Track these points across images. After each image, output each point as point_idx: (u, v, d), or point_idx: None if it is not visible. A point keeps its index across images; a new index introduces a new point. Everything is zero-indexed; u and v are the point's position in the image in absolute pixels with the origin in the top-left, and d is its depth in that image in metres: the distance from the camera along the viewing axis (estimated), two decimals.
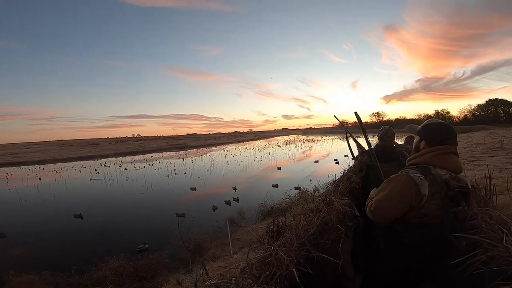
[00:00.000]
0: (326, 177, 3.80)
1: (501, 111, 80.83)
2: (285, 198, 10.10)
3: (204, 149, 67.38)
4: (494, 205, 1.70)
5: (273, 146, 64.05)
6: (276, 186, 17.48)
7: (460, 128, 55.26)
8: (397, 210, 1.20)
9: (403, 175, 1.24)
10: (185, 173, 26.60)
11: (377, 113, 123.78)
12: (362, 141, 3.07)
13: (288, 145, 63.18)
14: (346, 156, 22.17)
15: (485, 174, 2.75)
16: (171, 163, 36.58)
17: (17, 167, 44.45)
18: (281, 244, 1.49)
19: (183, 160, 41.15)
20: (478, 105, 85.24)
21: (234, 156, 42.87)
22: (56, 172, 34.27)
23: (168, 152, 62.96)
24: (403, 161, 2.43)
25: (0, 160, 55.08)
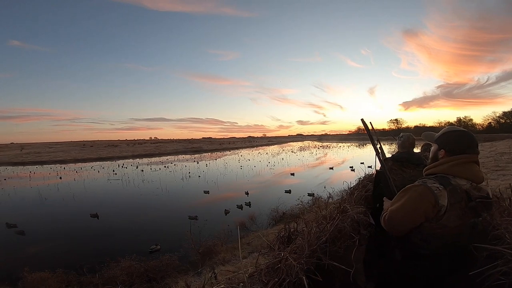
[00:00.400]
0: (341, 184, 3.71)
1: None
2: (298, 204, 9.97)
3: (218, 153, 68.09)
4: None
5: (287, 151, 63.68)
6: (289, 192, 17.34)
7: (483, 136, 52.79)
8: (412, 221, 1.17)
9: (420, 186, 1.19)
10: (199, 176, 26.93)
11: (396, 119, 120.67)
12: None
13: (302, 151, 62.63)
14: (362, 163, 21.71)
15: (510, 184, 2.58)
16: (186, 166, 37.20)
17: (40, 166, 46.73)
18: (291, 251, 1.45)
19: (198, 163, 41.72)
20: (504, 112, 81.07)
21: (248, 161, 43.01)
22: (76, 171, 35.71)
23: (183, 155, 64.13)
24: None
25: (24, 159, 58.39)
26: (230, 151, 77.89)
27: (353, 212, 1.66)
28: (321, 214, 1.97)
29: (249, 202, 15.06)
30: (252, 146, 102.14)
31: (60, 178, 29.29)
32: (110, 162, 49.55)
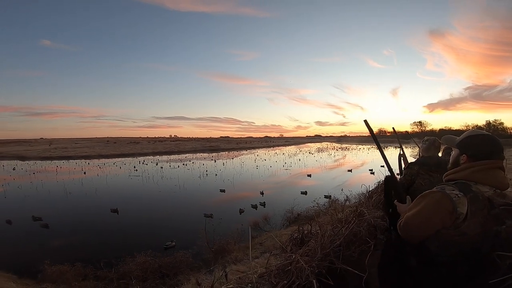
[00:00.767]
0: (359, 187, 3.60)
1: None
2: (314, 206, 9.78)
3: (235, 152, 68.67)
4: None
5: (304, 152, 63.00)
6: (305, 193, 17.14)
7: None
8: (428, 228, 1.12)
9: (437, 192, 1.14)
10: (216, 174, 27.29)
11: (419, 122, 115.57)
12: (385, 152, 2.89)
13: (320, 153, 61.70)
14: (383, 166, 20.99)
15: None
16: (203, 164, 37.86)
17: (66, 161, 49.40)
18: (303, 253, 1.41)
19: (215, 162, 42.33)
20: None
21: (264, 160, 43.02)
22: (99, 167, 37.42)
23: (201, 154, 65.35)
24: None
25: (52, 154, 62.09)
26: (246, 150, 78.32)
27: (370, 216, 1.59)
28: (336, 217, 1.91)
29: (264, 202, 15.04)
30: (269, 146, 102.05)
31: (85, 173, 30.79)
32: (131, 159, 51.50)
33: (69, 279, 7.06)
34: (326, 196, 14.39)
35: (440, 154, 2.80)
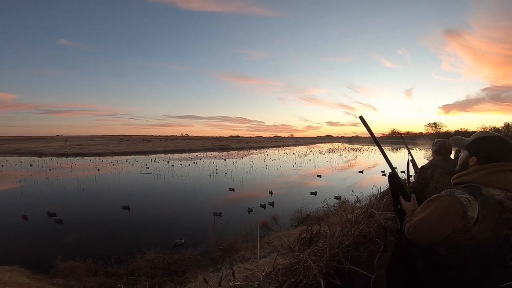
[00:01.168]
0: (370, 189, 3.55)
1: None
2: (323, 207, 9.70)
3: (245, 152, 68.85)
4: None
5: (314, 153, 62.47)
6: (315, 193, 17.00)
7: None
8: (437, 233, 1.10)
9: (447, 196, 1.11)
10: (226, 173, 27.45)
11: (434, 123, 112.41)
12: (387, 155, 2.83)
13: (331, 153, 61.00)
14: (395, 168, 20.56)
15: None
16: (213, 163, 38.16)
17: (81, 158, 50.91)
18: (311, 253, 1.40)
19: (225, 161, 42.57)
20: None
21: (273, 160, 42.93)
22: (113, 164, 38.33)
23: (211, 152, 65.88)
24: None
25: (67, 151, 64.08)
26: (256, 150, 78.36)
27: (380, 217, 1.56)
28: (346, 217, 1.89)
29: (273, 202, 15.02)
30: (279, 146, 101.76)
31: (98, 170, 31.62)
32: (143, 156, 52.49)
33: (80, 275, 7.19)
34: (336, 197, 14.22)
35: (452, 157, 2.73)
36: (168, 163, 39.15)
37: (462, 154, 1.28)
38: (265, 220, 11.41)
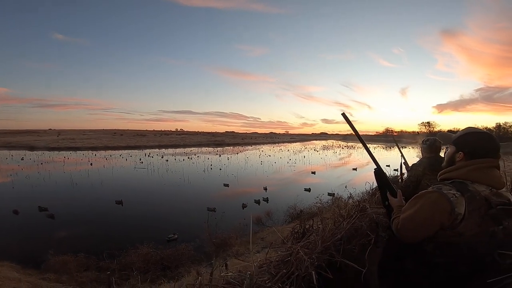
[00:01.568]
0: (363, 185, 3.60)
1: None
2: (317, 203, 9.78)
3: (240, 148, 68.83)
4: None
5: (309, 150, 62.77)
6: (309, 190, 17.15)
7: None
8: (425, 230, 1.10)
9: (434, 192, 1.10)
10: (221, 169, 27.43)
11: (428, 122, 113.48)
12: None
13: (325, 150, 61.41)
14: (388, 166, 20.81)
15: None
16: (208, 159, 38.08)
17: (73, 152, 50.25)
18: (303, 245, 1.41)
19: (220, 156, 42.51)
20: None
21: (268, 156, 43.02)
22: (106, 158, 37.95)
23: (206, 148, 65.68)
24: None
25: (60, 144, 63.09)
26: (251, 146, 78.38)
27: (372, 211, 1.58)
28: (339, 212, 1.91)
29: (267, 197, 15.10)
30: (274, 143, 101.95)
31: (91, 164, 31.26)
32: (137, 151, 52.04)
33: (72, 270, 7.13)
34: (329, 194, 14.37)
35: (442, 155, 2.76)
36: (162, 158, 38.91)
37: (449, 149, 1.27)
38: (259, 216, 11.48)
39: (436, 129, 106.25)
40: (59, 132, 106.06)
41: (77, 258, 7.53)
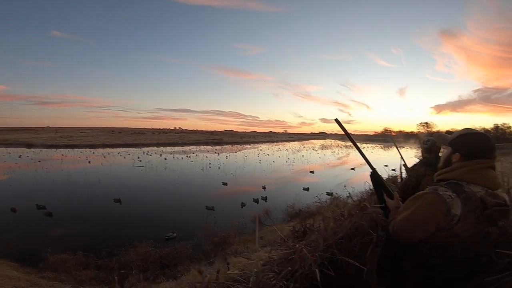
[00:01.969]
0: (362, 185, 3.63)
1: None
2: (315, 202, 9.84)
3: (239, 146, 68.77)
4: None
5: (307, 149, 62.84)
6: (307, 189, 17.19)
7: None
8: (421, 231, 1.10)
9: (430, 193, 1.11)
10: (219, 167, 27.41)
11: (426, 123, 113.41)
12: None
13: (324, 150, 61.49)
14: (386, 166, 20.93)
15: None
16: (207, 157, 38.01)
17: (71, 149, 49.82)
18: (306, 244, 1.44)
19: (218, 155, 42.43)
20: None
21: (267, 155, 43.02)
22: (104, 156, 37.75)
23: (205, 146, 65.53)
24: None
25: (57, 142, 62.76)
26: (250, 144, 78.35)
27: (372, 210, 1.61)
28: (339, 211, 1.93)
29: (266, 196, 15.13)
30: (273, 141, 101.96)
31: (89, 162, 31.12)
32: (135, 149, 51.83)
33: (70, 268, 7.07)
34: (328, 193, 14.42)
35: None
36: (160, 156, 38.82)
37: (445, 150, 1.27)
38: (258, 215, 11.50)
39: (435, 129, 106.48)
40: (57, 130, 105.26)
41: (76, 256, 7.48)
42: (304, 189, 17.32)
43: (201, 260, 7.44)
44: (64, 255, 7.37)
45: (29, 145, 57.19)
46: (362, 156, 1.47)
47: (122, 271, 7.01)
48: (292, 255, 1.28)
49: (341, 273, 1.31)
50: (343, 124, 1.46)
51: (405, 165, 3.30)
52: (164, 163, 30.86)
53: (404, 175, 3.26)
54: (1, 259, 7.34)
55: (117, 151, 46.15)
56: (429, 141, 2.69)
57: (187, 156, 38.58)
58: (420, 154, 2.94)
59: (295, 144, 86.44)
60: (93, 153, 43.19)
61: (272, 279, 1.16)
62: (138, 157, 36.24)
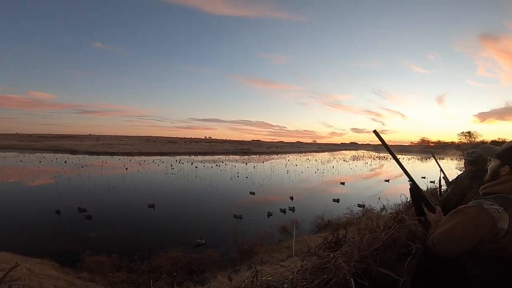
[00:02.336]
0: (397, 197, 3.47)
1: None
2: (346, 214, 9.47)
3: (266, 156, 68.94)
4: None
5: (338, 160, 61.00)
6: (337, 201, 16.64)
7: None
8: (462, 245, 1.06)
9: (473, 207, 1.07)
10: (247, 177, 27.66)
11: (468, 132, 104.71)
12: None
13: (355, 160, 59.26)
14: (424, 177, 19.55)
15: None
16: (235, 166, 38.65)
17: (110, 156, 53.66)
18: (341, 254, 1.43)
19: (246, 164, 42.90)
20: None
21: (295, 166, 42.53)
22: (140, 164, 40.10)
23: (233, 156, 66.77)
24: None
25: (98, 149, 68.06)
26: (277, 155, 78.16)
27: (411, 222, 1.55)
28: (375, 223, 1.89)
29: (293, 207, 14.90)
30: (301, 152, 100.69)
31: (126, 169, 33.23)
32: (169, 157, 54.37)
33: (105, 270, 7.35)
34: (359, 205, 13.81)
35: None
36: (191, 164, 40.24)
37: (493, 163, 1.23)
38: (284, 225, 11.34)
39: (478, 139, 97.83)
40: (98, 138, 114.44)
41: (111, 258, 7.79)
42: (334, 200, 16.79)
43: (227, 268, 7.47)
44: (100, 257, 7.67)
45: (74, 152, 62.88)
46: (401, 168, 1.44)
47: (152, 274, 7.25)
48: (326, 264, 1.28)
49: (374, 284, 1.28)
50: (381, 135, 1.44)
51: (445, 177, 3.13)
52: (195, 171, 31.91)
53: (444, 188, 3.10)
54: (43, 258, 7.72)
55: (152, 159, 48.79)
56: (474, 153, 2.56)
57: (216, 165, 39.54)
58: (463, 166, 2.78)
59: (324, 155, 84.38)
60: (130, 160, 46.11)
61: (305, 286, 1.17)
62: (171, 165, 37.94)
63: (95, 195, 17.92)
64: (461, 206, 1.13)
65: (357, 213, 9.80)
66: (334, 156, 76.59)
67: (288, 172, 33.42)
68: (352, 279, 1.14)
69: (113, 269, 7.60)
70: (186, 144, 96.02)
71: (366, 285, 1.21)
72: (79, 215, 13.24)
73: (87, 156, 53.89)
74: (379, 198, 13.38)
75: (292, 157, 67.00)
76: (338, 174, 32.76)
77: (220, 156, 62.65)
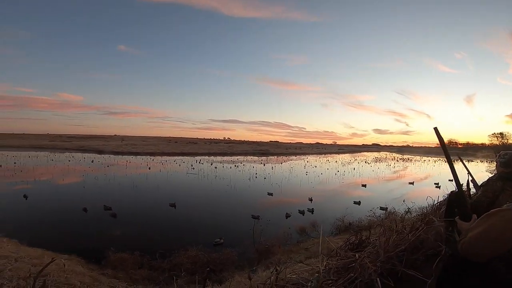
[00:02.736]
0: (422, 200, 3.34)
1: None
2: (368, 216, 9.23)
3: (284, 157, 68.49)
4: None
5: (359, 161, 59.36)
6: (358, 203, 16.25)
7: None
8: (495, 249, 1.03)
9: (508, 210, 1.02)
10: (265, 178, 27.66)
11: (500, 133, 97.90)
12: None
13: (377, 162, 57.40)
14: (451, 180, 18.62)
15: None
16: (253, 167, 38.79)
17: (134, 156, 55.66)
18: (366, 254, 1.43)
19: (264, 165, 42.91)
20: None
21: (314, 167, 41.93)
22: (162, 163, 41.34)
23: (251, 156, 66.99)
24: None
25: (123, 149, 70.90)
26: (296, 156, 77.40)
27: (439, 224, 1.51)
28: (400, 224, 1.85)
29: (312, 208, 14.72)
30: (320, 153, 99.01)
31: (149, 168, 34.40)
32: (189, 158, 55.60)
33: (128, 267, 7.59)
34: (382, 208, 13.39)
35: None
36: (211, 165, 40.90)
37: None
38: (303, 227, 11.25)
39: (511, 140, 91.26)
40: (123, 138, 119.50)
41: (133, 256, 8.01)
42: (355, 202, 16.40)
43: (244, 268, 7.50)
44: (123, 254, 7.90)
45: (100, 151, 65.96)
46: (453, 173, 1.40)
47: (172, 272, 7.31)
48: (351, 264, 1.28)
49: (400, 285, 1.27)
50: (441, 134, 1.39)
51: (473, 180, 2.99)
52: (215, 171, 32.41)
53: (472, 191, 2.96)
54: (71, 255, 8.00)
55: (173, 159, 50.16)
56: (507, 154, 2.44)
57: (235, 166, 39.91)
58: (494, 168, 2.64)
59: (345, 156, 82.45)
60: (153, 160, 47.66)
61: (331, 284, 1.18)
62: (192, 165, 38.79)
63: (119, 194, 18.55)
64: (494, 209, 1.09)
65: (379, 216, 9.53)
66: (355, 158, 74.61)
67: (307, 173, 33.02)
68: (378, 279, 1.13)
69: (136, 266, 7.81)
70: (206, 145, 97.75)
71: (391, 285, 1.20)
72: (105, 213, 13.67)
73: (112, 155, 56.31)
74: (403, 201, 12.83)
75: (311, 158, 66.12)
76: (360, 176, 31.90)
77: (238, 157, 63.12)
